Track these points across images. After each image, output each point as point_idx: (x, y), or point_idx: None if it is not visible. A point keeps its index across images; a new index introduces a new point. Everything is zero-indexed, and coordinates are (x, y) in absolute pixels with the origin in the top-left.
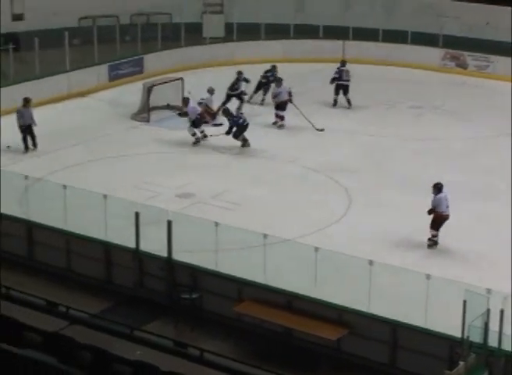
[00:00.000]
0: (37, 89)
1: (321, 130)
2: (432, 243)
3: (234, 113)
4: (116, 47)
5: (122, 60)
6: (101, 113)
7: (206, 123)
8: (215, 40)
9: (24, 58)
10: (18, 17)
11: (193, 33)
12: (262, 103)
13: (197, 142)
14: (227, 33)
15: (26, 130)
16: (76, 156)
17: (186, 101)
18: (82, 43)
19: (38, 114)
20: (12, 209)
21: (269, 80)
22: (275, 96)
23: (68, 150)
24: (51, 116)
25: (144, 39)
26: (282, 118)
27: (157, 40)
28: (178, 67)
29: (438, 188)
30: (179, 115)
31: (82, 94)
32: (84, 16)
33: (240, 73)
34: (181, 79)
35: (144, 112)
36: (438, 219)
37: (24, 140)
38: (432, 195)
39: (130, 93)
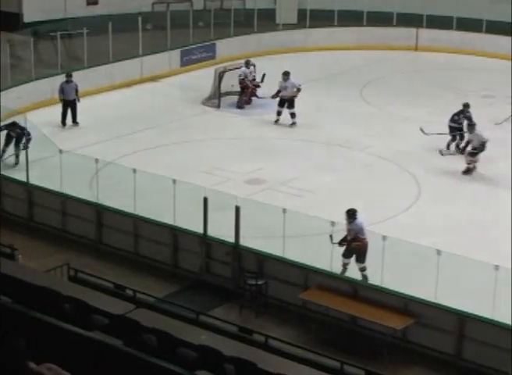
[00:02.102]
0: (110, 73)
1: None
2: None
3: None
4: (189, 32)
5: (195, 45)
6: (173, 98)
7: (247, 103)
8: (287, 26)
9: (97, 43)
10: (93, 1)
11: (266, 19)
12: (460, 151)
13: None
14: (300, 20)
15: (67, 104)
16: (146, 141)
17: None
18: (155, 28)
19: (110, 98)
20: (81, 192)
21: (459, 123)
22: (280, 91)
23: (138, 134)
24: (123, 100)
25: (216, 25)
26: (292, 115)
27: (230, 25)
28: (250, 53)
29: (352, 215)
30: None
31: (154, 79)
32: (158, 0)
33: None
34: (253, 65)
35: (215, 97)
36: (364, 248)
37: (63, 115)
38: (347, 223)
39: (202, 78)
